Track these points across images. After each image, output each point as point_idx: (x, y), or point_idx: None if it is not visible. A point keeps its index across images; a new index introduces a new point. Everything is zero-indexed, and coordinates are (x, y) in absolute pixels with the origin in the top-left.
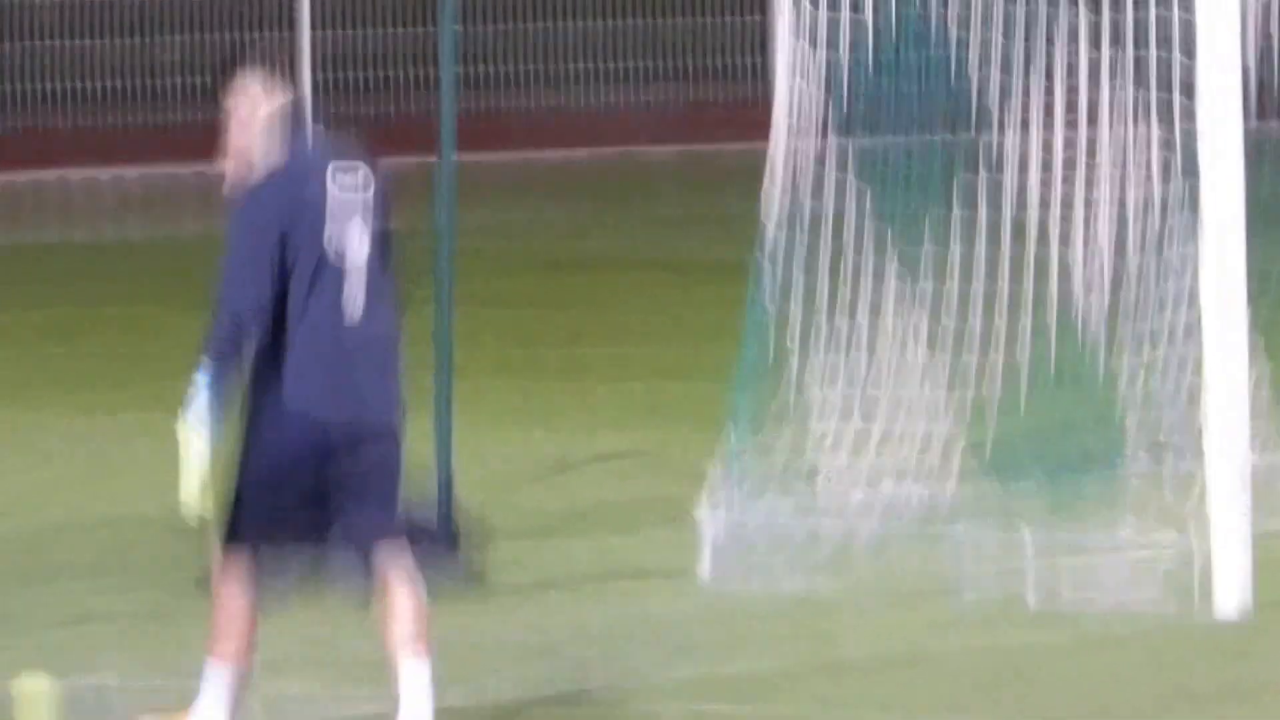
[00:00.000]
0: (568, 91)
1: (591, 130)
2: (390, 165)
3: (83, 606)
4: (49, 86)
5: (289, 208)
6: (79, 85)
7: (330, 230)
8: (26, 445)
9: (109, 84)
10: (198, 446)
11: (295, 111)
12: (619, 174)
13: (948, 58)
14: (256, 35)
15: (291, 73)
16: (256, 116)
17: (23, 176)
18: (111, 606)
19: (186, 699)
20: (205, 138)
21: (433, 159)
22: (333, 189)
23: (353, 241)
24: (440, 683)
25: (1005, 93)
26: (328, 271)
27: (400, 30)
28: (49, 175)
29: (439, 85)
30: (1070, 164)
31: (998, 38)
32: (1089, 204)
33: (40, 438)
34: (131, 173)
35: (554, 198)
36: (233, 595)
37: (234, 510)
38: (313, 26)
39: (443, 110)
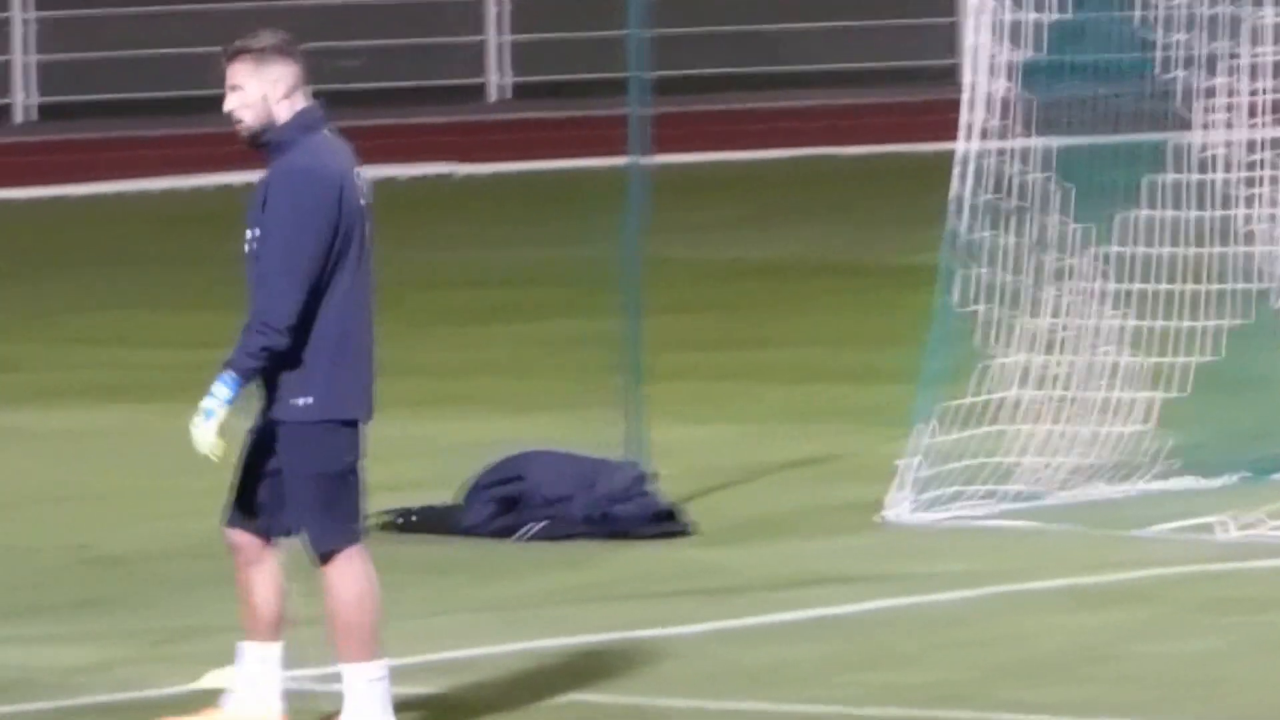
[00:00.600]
0: (759, 93)
1: (781, 133)
2: (581, 168)
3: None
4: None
5: (336, 209)
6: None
7: (368, 232)
8: None
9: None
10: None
11: (316, 107)
12: (809, 177)
13: (1144, 58)
14: (446, 38)
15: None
16: (280, 95)
17: (210, 180)
18: (302, 609)
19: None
20: (386, 141)
21: (623, 161)
22: (360, 191)
23: (368, 245)
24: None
25: (1203, 92)
26: (361, 274)
27: (591, 31)
28: (237, 179)
29: (630, 87)
30: (1271, 164)
31: (1199, 37)
32: None
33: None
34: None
35: (744, 202)
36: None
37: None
38: (499, 30)
39: (632, 113)
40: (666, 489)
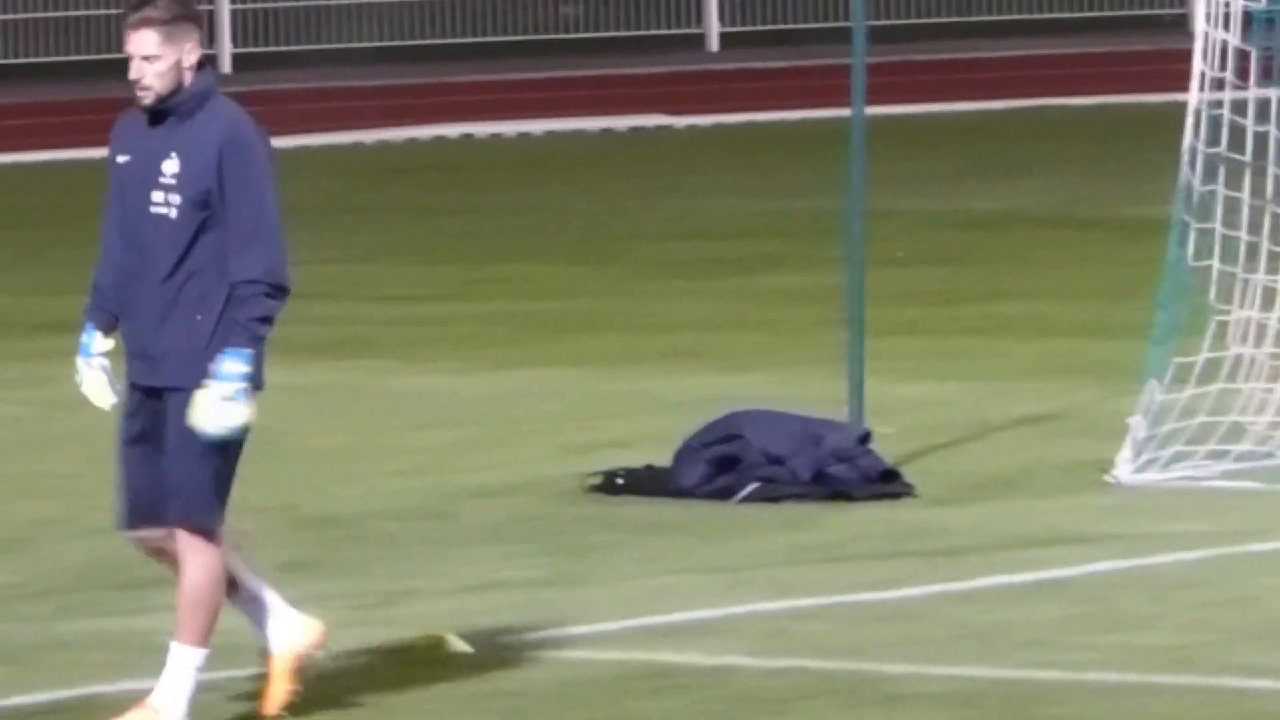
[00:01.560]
0: (979, 42)
1: (1005, 82)
2: (800, 119)
3: (489, 572)
4: (452, 40)
5: None
6: (480, 39)
7: None
8: (428, 406)
9: (508, 37)
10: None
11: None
12: (1034, 127)
13: None
14: None
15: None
16: (193, 61)
17: (426, 132)
18: (518, 573)
19: (574, 670)
20: (605, 92)
21: (844, 112)
22: None
23: None
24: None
25: None
26: None
27: None
28: (452, 130)
29: (852, 36)
30: None
31: None
32: None
33: (442, 399)
34: (536, 128)
35: (968, 152)
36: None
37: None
38: None
39: (854, 62)
40: (888, 448)
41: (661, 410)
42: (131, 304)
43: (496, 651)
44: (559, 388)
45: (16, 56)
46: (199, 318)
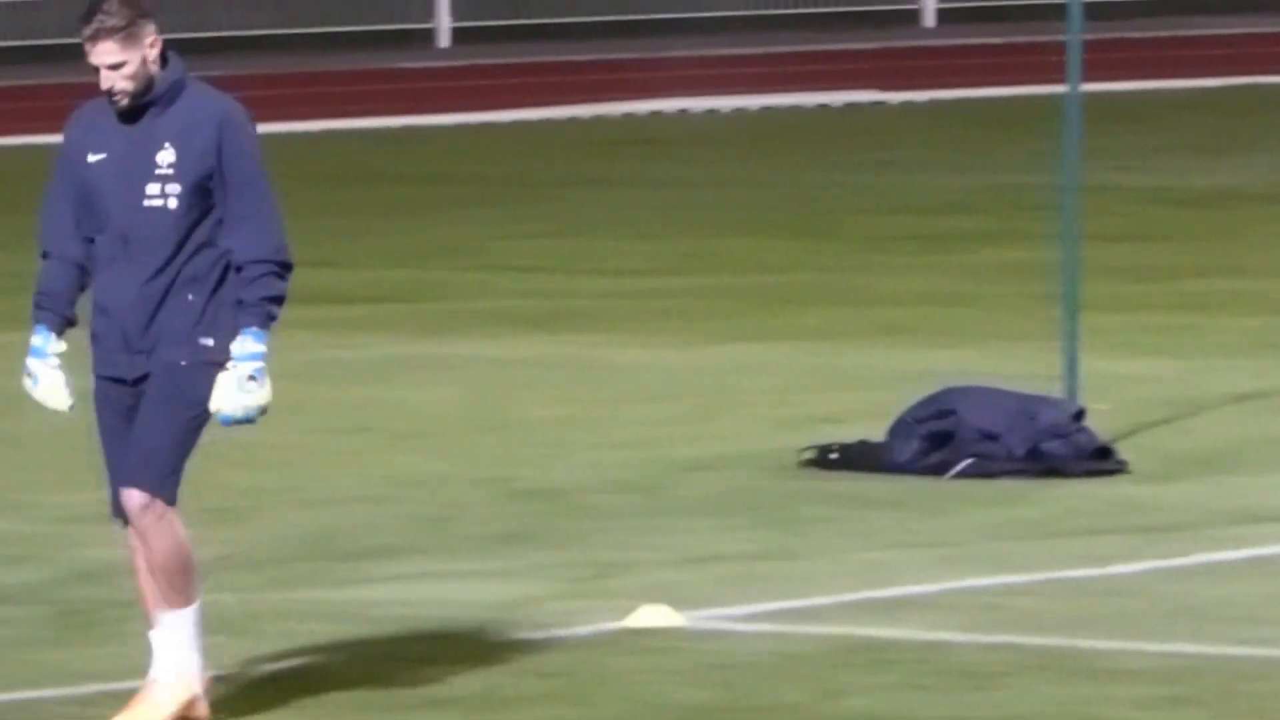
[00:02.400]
0: (1197, 19)
1: (1223, 59)
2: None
3: (704, 545)
4: (668, 15)
5: None
6: (697, 14)
7: None
8: (645, 380)
9: (726, 12)
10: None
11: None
12: (1251, 104)
13: None
14: None
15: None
16: (156, 54)
17: (642, 107)
18: (732, 546)
19: (787, 643)
20: (821, 67)
21: (1059, 88)
22: None
23: None
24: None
25: None
26: None
27: None
28: (669, 105)
29: (1067, 12)
30: None
31: None
32: None
33: (658, 372)
34: (752, 103)
35: (1184, 129)
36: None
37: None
38: None
39: (1070, 38)
40: (1102, 424)
41: (875, 385)
42: (114, 299)
43: (711, 624)
44: (773, 362)
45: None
46: (190, 297)
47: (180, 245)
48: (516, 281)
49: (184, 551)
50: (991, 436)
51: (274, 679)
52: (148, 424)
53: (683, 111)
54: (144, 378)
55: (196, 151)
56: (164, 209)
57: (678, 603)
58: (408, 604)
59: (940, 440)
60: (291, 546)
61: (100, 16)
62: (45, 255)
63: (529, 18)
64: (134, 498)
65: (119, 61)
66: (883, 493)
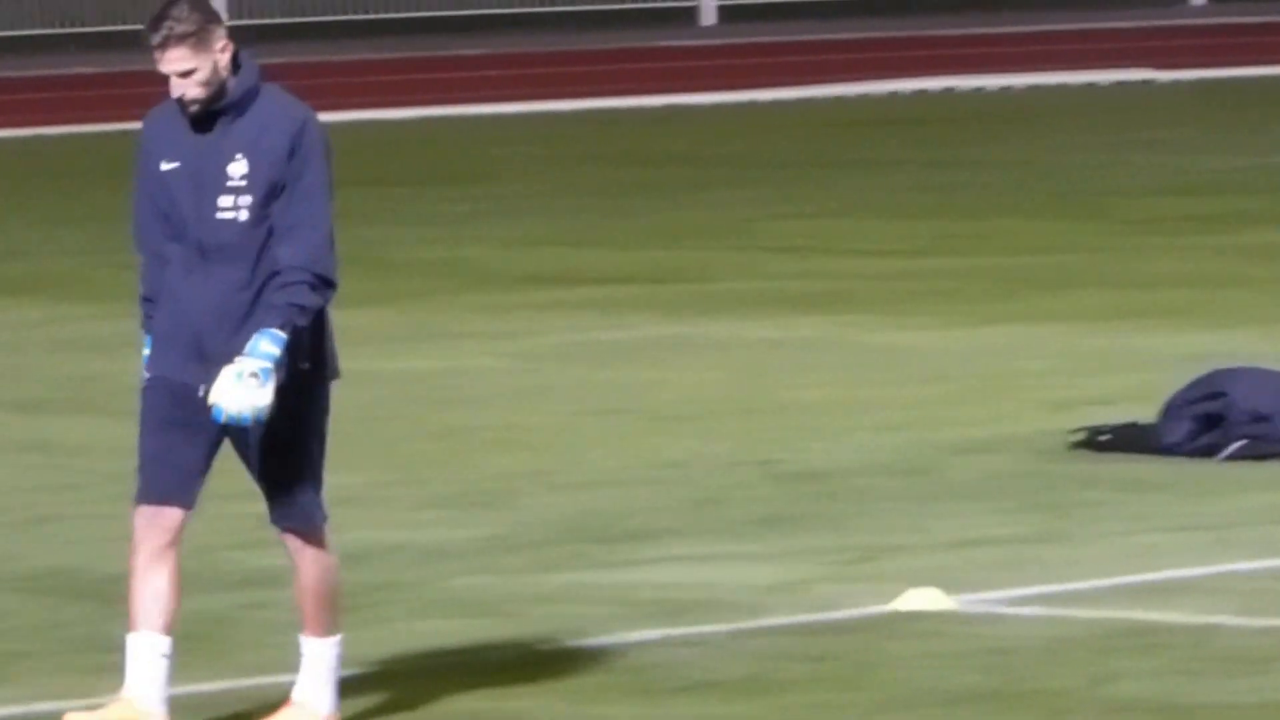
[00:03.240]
0: None
1: None
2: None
3: (973, 528)
4: None
5: None
6: None
7: None
8: (909, 361)
9: None
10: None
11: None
12: None
13: None
14: None
15: None
16: (229, 59)
17: (908, 85)
18: (1001, 529)
19: (1058, 627)
20: (1090, 46)
21: None
22: None
23: None
24: None
25: None
26: None
27: None
28: (934, 84)
29: None
30: None
31: None
32: None
33: (922, 354)
34: (1019, 82)
35: None
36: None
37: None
38: None
39: None
40: None
41: (1143, 367)
42: (192, 306)
43: (980, 608)
44: (1040, 343)
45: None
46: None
47: (259, 257)
48: (781, 262)
49: (336, 575)
50: (1263, 418)
51: (534, 661)
52: (280, 461)
53: (948, 90)
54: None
55: (268, 161)
56: (235, 221)
57: (946, 586)
58: (669, 587)
59: (1211, 422)
60: (552, 530)
61: (169, 23)
62: (142, 259)
63: None
64: (297, 534)
65: (189, 69)
66: (1154, 475)
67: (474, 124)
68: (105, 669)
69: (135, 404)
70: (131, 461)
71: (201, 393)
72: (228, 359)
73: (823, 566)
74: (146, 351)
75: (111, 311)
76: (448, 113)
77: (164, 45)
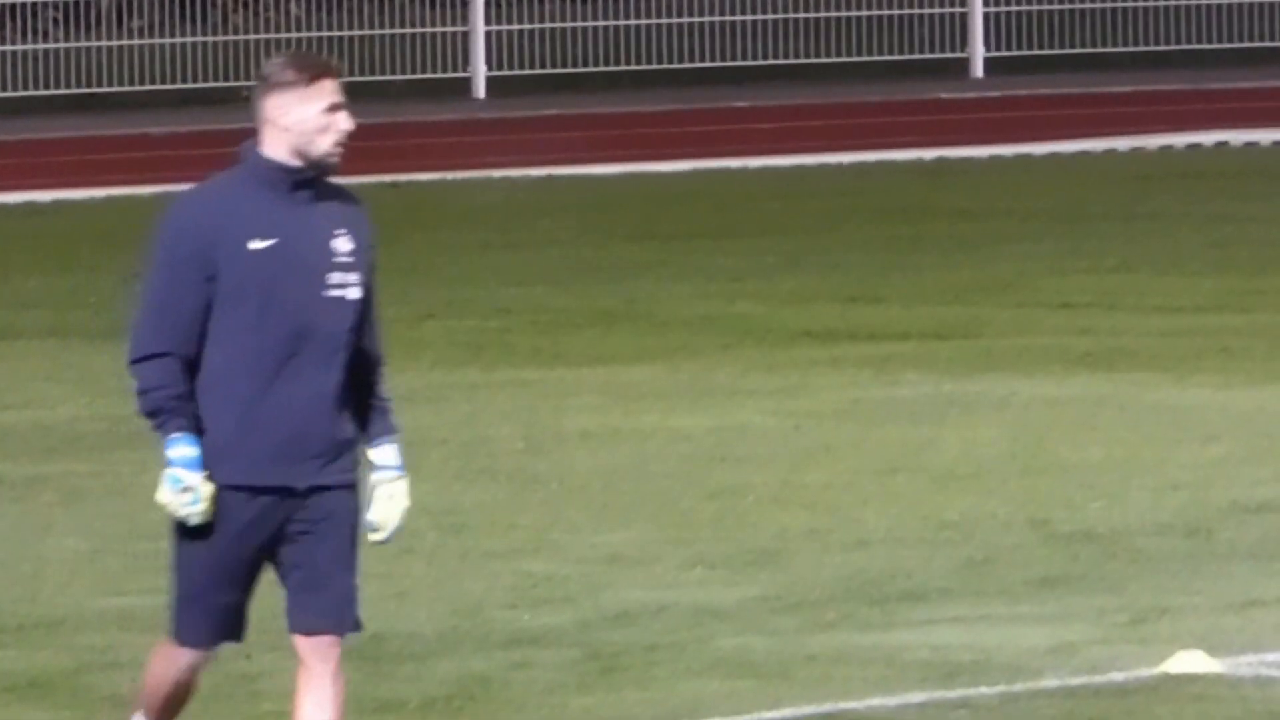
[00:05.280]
0: None
1: None
2: None
3: (1247, 590)
4: (1206, 46)
5: None
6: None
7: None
8: (1189, 420)
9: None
10: None
11: None
12: None
13: None
14: None
15: None
16: None
17: (1181, 139)
18: (1277, 592)
19: None
20: None
21: None
22: None
23: None
24: None
25: None
26: None
27: None
28: (1208, 138)
29: None
30: None
31: None
32: None
33: (1203, 413)
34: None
35: None
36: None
37: None
38: None
39: None
40: None
41: None
42: (282, 403)
43: (1251, 670)
44: None
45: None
46: (346, 409)
47: (353, 343)
48: (1061, 318)
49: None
50: None
51: None
52: (339, 556)
53: (1221, 144)
54: (301, 492)
55: (364, 243)
56: (343, 299)
57: (1220, 648)
58: (941, 649)
59: None
60: (824, 590)
61: (320, 57)
62: (155, 356)
63: (1063, 47)
64: (329, 643)
65: (344, 101)
66: None
67: (746, 177)
68: None
69: (409, 461)
70: None
71: (304, 489)
72: (319, 453)
73: (1096, 628)
74: (189, 449)
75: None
76: (720, 165)
77: (324, 73)
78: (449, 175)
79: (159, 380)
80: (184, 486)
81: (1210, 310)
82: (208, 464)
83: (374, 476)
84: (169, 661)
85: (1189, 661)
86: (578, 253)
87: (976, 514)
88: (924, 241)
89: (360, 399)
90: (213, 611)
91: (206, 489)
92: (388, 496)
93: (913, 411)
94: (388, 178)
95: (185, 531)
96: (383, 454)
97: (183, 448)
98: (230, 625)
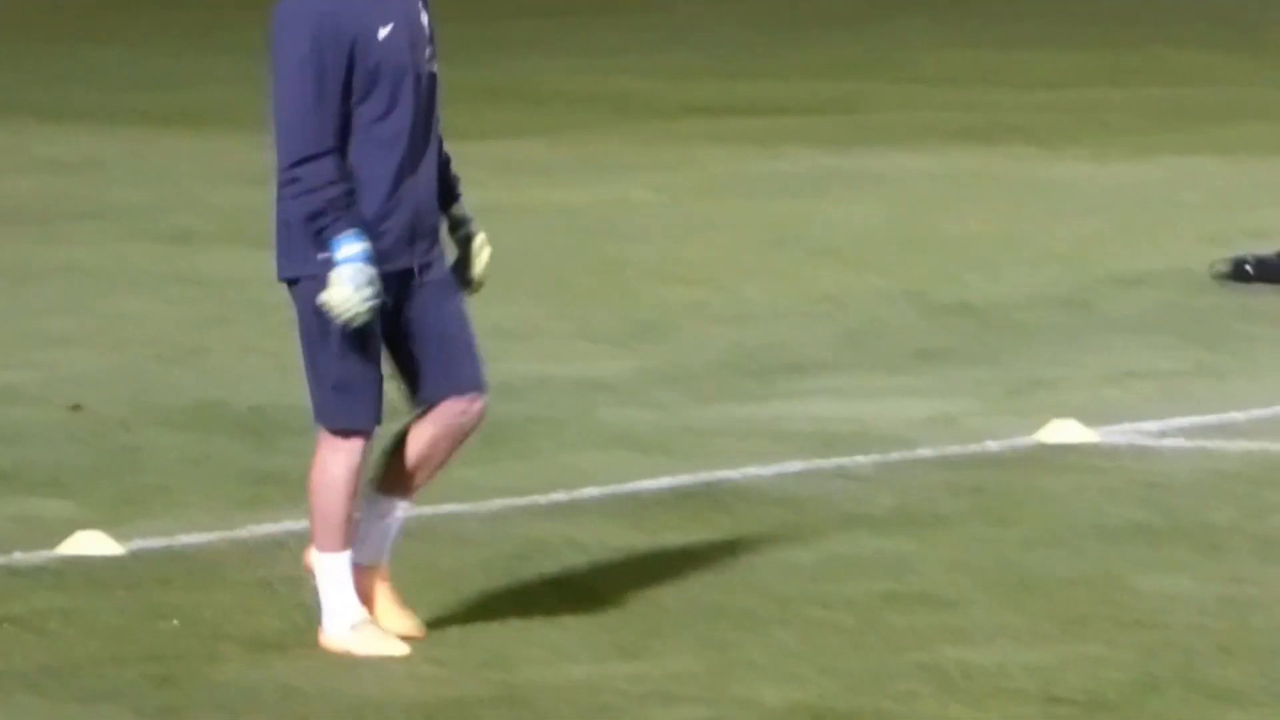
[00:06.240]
0: None
1: None
2: None
3: (1126, 361)
4: None
5: None
6: None
7: None
8: (1067, 194)
9: None
10: None
11: None
12: None
13: None
14: None
15: None
16: None
17: None
18: (1155, 362)
19: (1209, 460)
20: None
21: None
22: None
23: None
24: None
25: None
26: None
27: None
28: None
29: None
30: None
31: None
32: None
33: (1080, 187)
34: None
35: None
36: None
37: None
38: None
39: None
40: None
41: None
42: (407, 182)
43: (1133, 440)
44: (1198, 176)
45: None
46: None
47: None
48: (940, 93)
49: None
50: None
51: (684, 495)
52: (463, 321)
53: None
54: (416, 270)
55: (430, 18)
56: (434, 75)
57: (1094, 419)
58: (821, 420)
59: None
60: (705, 363)
61: None
62: (318, 156)
63: None
64: (481, 402)
65: None
66: None
67: None
68: (253, 502)
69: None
70: (277, 293)
71: (417, 269)
72: (435, 228)
73: (974, 399)
74: (363, 244)
75: (262, 142)
76: None
77: None
78: None
79: (326, 177)
80: (367, 280)
81: (1088, 85)
82: None
83: (463, 231)
84: (336, 468)
85: (1064, 431)
86: (459, 29)
87: (855, 287)
88: (806, 17)
89: (442, 160)
90: (370, 391)
91: (374, 288)
92: (482, 243)
93: (793, 186)
94: None
95: (328, 322)
96: (461, 208)
97: (358, 244)
98: (380, 405)
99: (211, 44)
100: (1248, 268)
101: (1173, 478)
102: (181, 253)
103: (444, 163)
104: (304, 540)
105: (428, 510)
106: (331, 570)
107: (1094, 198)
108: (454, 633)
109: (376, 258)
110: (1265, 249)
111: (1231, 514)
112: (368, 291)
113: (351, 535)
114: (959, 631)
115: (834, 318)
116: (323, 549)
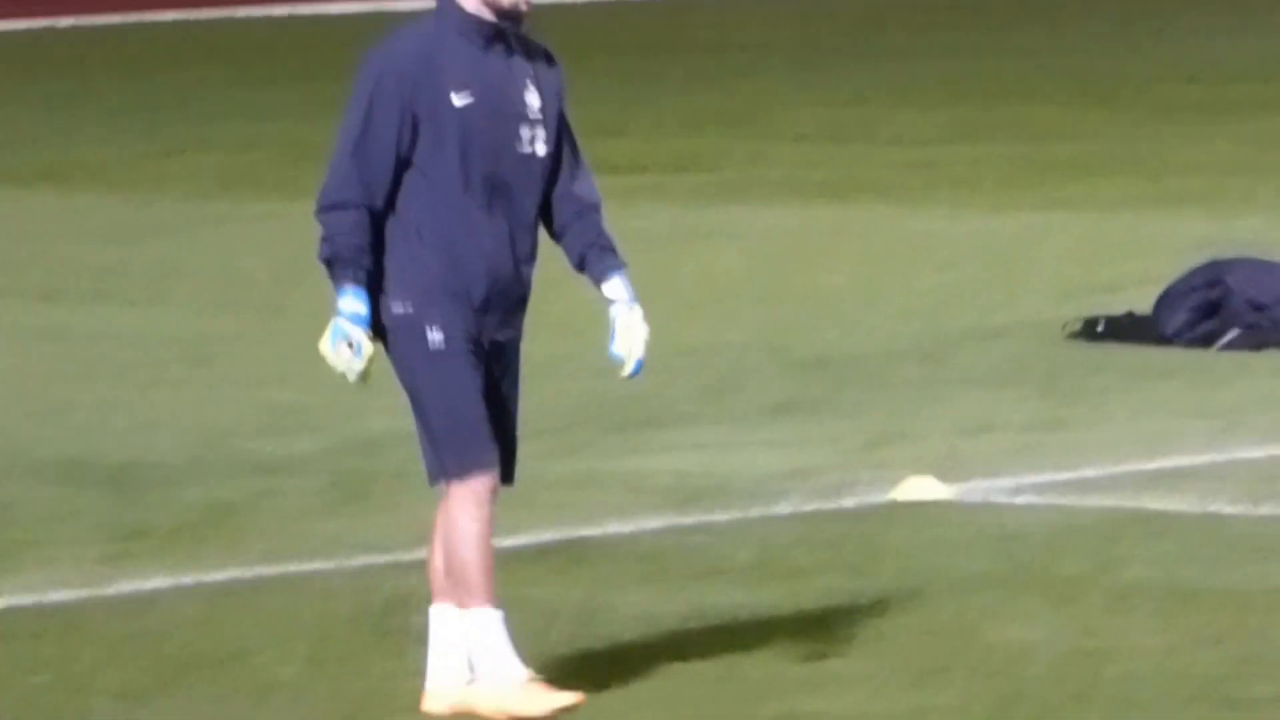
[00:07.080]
0: None
1: None
2: None
3: (980, 415)
4: None
5: None
6: None
7: None
8: (923, 248)
9: None
10: None
11: None
12: None
13: None
14: None
15: None
16: None
17: None
18: (1007, 416)
19: (1064, 515)
20: None
21: None
22: None
23: None
24: None
25: None
26: None
27: None
28: None
29: None
30: None
31: None
32: None
33: (937, 241)
34: None
35: None
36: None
37: None
38: None
39: None
40: None
41: (1156, 254)
42: (481, 254)
43: (984, 496)
44: (1054, 231)
45: None
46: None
47: (539, 200)
48: (796, 150)
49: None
50: (1261, 307)
51: (544, 549)
52: (515, 412)
53: None
54: (503, 346)
55: (552, 100)
56: (534, 156)
57: (950, 473)
58: (681, 474)
59: (1208, 311)
60: (567, 415)
61: None
62: (344, 206)
63: None
64: (497, 488)
65: None
66: (1158, 363)
67: None
68: (120, 557)
69: (156, 293)
70: (143, 350)
71: (485, 342)
72: (515, 309)
73: (832, 453)
74: (358, 303)
75: (129, 200)
76: None
77: None
78: (192, 14)
79: (343, 229)
80: (349, 341)
81: (941, 142)
82: (421, 305)
83: (611, 311)
84: (464, 519)
85: (920, 488)
86: (322, 89)
87: (715, 341)
88: (665, 77)
89: (584, 241)
90: (483, 428)
91: (369, 347)
92: (626, 327)
93: (652, 242)
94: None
95: (430, 370)
96: (613, 288)
97: (353, 301)
98: (495, 444)
99: (78, 103)
100: (1099, 329)
101: (1026, 531)
102: (48, 309)
103: (590, 232)
104: (170, 594)
105: (293, 567)
106: (483, 628)
107: (949, 252)
108: (323, 687)
109: (451, 318)
110: (1118, 305)
111: (1084, 567)
112: (349, 352)
113: (495, 589)
114: (816, 682)
115: (694, 371)
116: (467, 606)
